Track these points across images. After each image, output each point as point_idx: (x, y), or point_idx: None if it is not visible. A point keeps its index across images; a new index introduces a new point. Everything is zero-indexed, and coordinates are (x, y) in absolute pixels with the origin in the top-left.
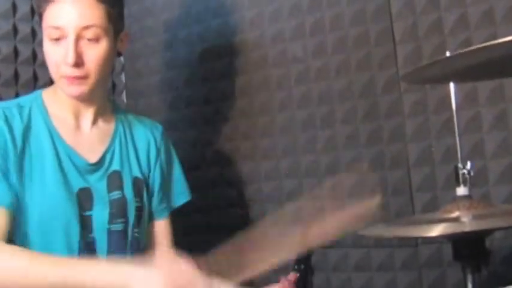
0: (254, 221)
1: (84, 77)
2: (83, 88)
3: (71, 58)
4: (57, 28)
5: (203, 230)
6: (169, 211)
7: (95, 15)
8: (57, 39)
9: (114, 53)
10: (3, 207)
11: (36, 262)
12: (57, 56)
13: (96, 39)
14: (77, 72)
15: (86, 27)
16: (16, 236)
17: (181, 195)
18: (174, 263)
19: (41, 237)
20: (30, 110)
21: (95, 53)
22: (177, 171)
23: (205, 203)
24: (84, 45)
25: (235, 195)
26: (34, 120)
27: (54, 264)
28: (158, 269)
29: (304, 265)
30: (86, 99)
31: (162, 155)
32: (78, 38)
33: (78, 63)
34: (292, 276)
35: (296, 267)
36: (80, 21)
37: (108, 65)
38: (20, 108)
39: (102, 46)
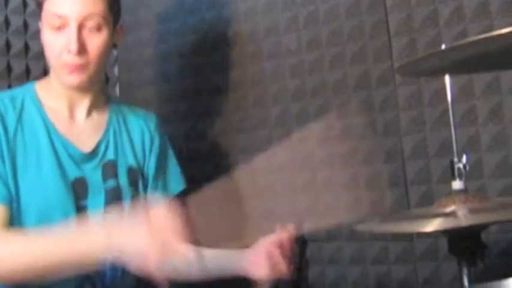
0: (250, 215)
1: (85, 65)
2: (82, 77)
3: (74, 46)
4: (59, 16)
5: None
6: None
7: (97, 4)
8: (59, 28)
9: (112, 43)
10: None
11: (33, 246)
12: (58, 44)
13: (97, 28)
14: (78, 60)
15: (88, 16)
16: (13, 227)
17: (176, 183)
18: (159, 218)
19: (39, 225)
20: (23, 102)
21: (96, 42)
22: (171, 161)
23: None
24: (86, 34)
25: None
26: (27, 111)
27: (51, 244)
28: (143, 226)
29: (299, 258)
30: (83, 88)
31: (156, 144)
32: (80, 27)
33: (81, 51)
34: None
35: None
36: (82, 10)
37: (107, 55)
38: (13, 99)
39: (103, 35)
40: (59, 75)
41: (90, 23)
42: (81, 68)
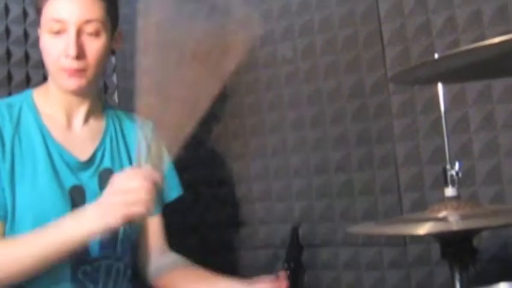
0: (244, 220)
1: (83, 70)
2: (81, 81)
3: (72, 50)
4: (58, 21)
5: (194, 230)
6: (162, 207)
7: (96, 9)
8: (57, 33)
9: (110, 48)
10: None
11: (9, 245)
12: (57, 48)
13: (95, 34)
14: (76, 64)
15: (87, 21)
16: (11, 235)
17: (172, 190)
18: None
19: None
20: (20, 109)
21: (95, 47)
22: (168, 167)
23: (196, 201)
24: (84, 38)
25: (226, 195)
26: (24, 119)
27: (29, 239)
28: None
29: (295, 263)
30: (81, 93)
31: (152, 152)
32: (79, 32)
33: (79, 55)
34: (282, 273)
35: (287, 265)
36: (81, 15)
37: (105, 60)
38: (10, 107)
39: (101, 40)
40: (57, 79)
41: (89, 28)
42: (80, 72)
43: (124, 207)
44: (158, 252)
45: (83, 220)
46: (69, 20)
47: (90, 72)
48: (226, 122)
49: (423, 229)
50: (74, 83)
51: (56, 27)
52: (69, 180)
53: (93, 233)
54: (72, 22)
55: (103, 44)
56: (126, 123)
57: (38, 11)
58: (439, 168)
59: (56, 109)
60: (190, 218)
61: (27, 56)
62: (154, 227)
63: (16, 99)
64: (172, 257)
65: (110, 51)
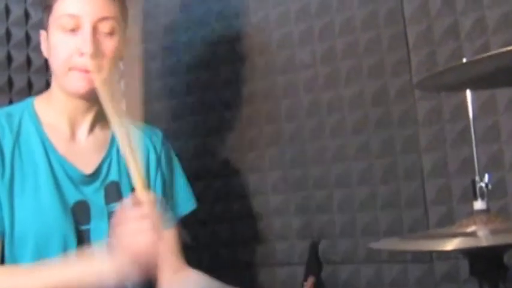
0: (260, 235)
1: (95, 72)
2: (92, 84)
3: (88, 47)
4: (73, 17)
5: (207, 243)
6: (175, 220)
7: (111, 7)
8: (71, 30)
9: (122, 51)
10: None
11: (13, 274)
12: (68, 47)
13: (110, 32)
14: (90, 64)
15: (103, 19)
16: (10, 254)
17: (186, 203)
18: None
19: (37, 253)
20: (20, 119)
21: (110, 46)
22: (180, 179)
23: (209, 216)
24: (99, 37)
25: (241, 208)
26: (25, 129)
27: (30, 274)
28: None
29: (314, 281)
30: (89, 98)
31: (163, 163)
32: (94, 29)
33: (95, 54)
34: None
35: (306, 284)
36: (98, 12)
37: (118, 62)
38: (10, 117)
39: (116, 40)
40: (65, 82)
41: (104, 26)
42: (91, 75)
43: (133, 243)
44: (171, 270)
45: (93, 263)
46: (85, 17)
47: (103, 74)
48: (241, 131)
49: (451, 245)
50: (85, 85)
51: (70, 24)
52: (73, 196)
53: (104, 278)
54: (87, 19)
55: (117, 44)
56: (134, 133)
57: (48, 9)
58: (467, 180)
59: (59, 118)
60: (202, 232)
61: (29, 61)
62: (168, 241)
63: (16, 108)
64: (189, 275)
65: (122, 53)
